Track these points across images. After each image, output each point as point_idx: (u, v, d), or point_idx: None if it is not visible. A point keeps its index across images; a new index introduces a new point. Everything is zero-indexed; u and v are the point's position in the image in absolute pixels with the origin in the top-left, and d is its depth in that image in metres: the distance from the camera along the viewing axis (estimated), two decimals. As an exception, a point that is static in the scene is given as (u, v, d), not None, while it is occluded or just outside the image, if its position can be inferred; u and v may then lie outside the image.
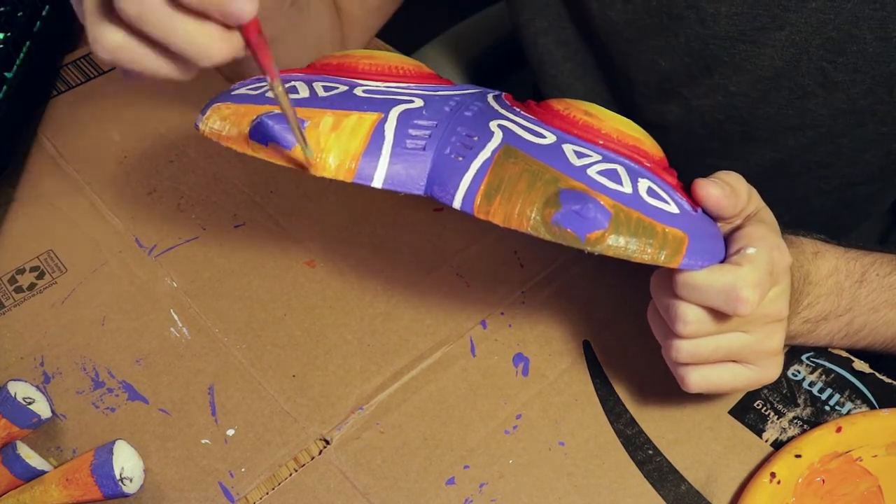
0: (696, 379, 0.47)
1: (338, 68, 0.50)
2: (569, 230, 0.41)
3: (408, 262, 0.62)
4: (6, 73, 0.71)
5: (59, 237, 0.65)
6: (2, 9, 0.74)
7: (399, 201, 0.66)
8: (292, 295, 0.61)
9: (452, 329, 0.58)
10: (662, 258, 0.42)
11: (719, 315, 0.44)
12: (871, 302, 0.52)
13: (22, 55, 0.74)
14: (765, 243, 0.44)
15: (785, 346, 0.54)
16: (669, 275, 0.45)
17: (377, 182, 0.44)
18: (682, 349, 0.46)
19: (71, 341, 0.59)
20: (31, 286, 0.62)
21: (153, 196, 0.67)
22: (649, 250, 0.41)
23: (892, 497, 0.48)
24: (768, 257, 0.44)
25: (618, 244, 0.41)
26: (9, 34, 0.73)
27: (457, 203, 0.43)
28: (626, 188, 0.43)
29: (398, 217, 0.65)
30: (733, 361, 0.47)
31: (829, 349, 0.55)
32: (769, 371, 0.47)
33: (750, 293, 0.42)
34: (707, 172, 0.47)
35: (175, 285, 0.61)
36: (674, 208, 0.44)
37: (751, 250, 0.44)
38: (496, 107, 0.48)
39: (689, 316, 0.44)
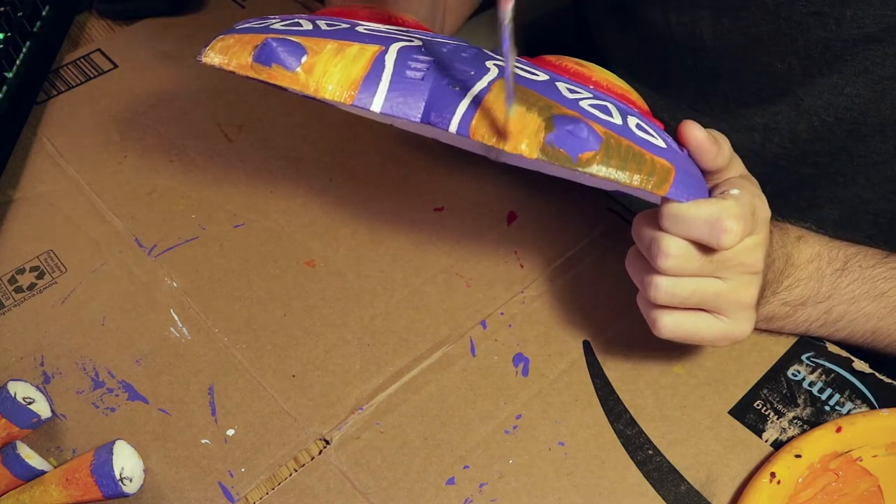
0: (668, 322, 0.48)
1: (339, 13, 0.52)
2: (562, 150, 0.42)
3: (408, 262, 0.62)
4: (6, 73, 0.71)
5: (59, 237, 0.65)
6: (2, 9, 0.74)
7: (399, 200, 0.66)
8: (292, 295, 0.61)
9: (452, 329, 0.58)
10: (650, 185, 0.43)
11: (702, 251, 0.45)
12: (852, 292, 0.52)
13: (22, 55, 0.74)
14: (747, 189, 0.46)
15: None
16: (653, 214, 0.46)
17: (376, 106, 0.45)
18: (661, 287, 0.46)
19: (71, 341, 0.59)
20: (31, 286, 0.62)
21: (153, 196, 0.67)
22: (638, 176, 0.43)
23: (892, 497, 0.48)
24: (751, 199, 0.46)
25: (608, 166, 0.42)
26: (9, 34, 0.73)
27: (453, 127, 0.44)
28: (617, 120, 0.45)
29: (398, 217, 0.65)
30: (707, 311, 0.48)
31: (829, 349, 0.55)
32: (741, 325, 0.48)
33: (733, 224, 0.44)
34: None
35: (175, 285, 0.61)
36: (661, 143, 0.45)
37: (734, 191, 0.46)
38: (491, 53, 0.50)
39: (673, 249, 0.45)
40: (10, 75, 0.71)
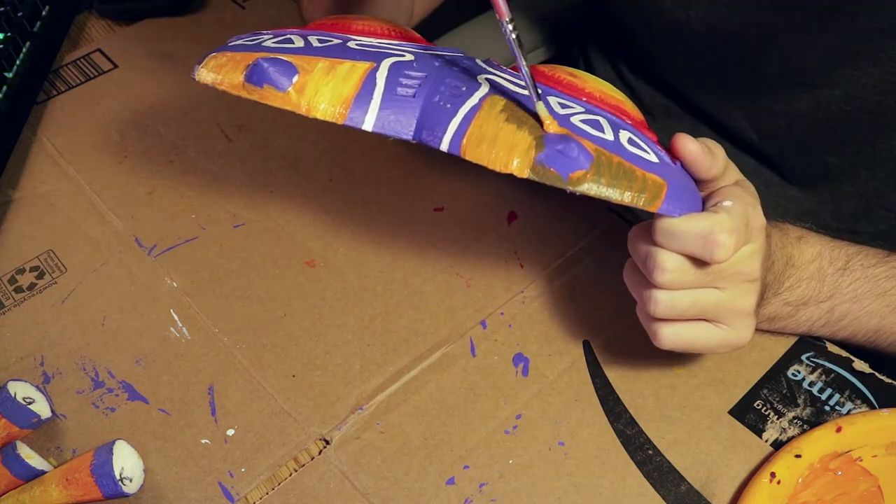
0: (668, 334, 0.48)
1: (332, 27, 0.52)
2: (552, 170, 0.42)
3: (408, 262, 0.62)
4: (6, 73, 0.71)
5: (59, 237, 0.65)
6: (2, 9, 0.74)
7: (399, 200, 0.66)
8: (292, 295, 0.61)
9: (452, 329, 0.58)
10: (642, 202, 0.43)
11: (697, 264, 0.45)
12: (854, 291, 0.52)
13: (22, 55, 0.74)
14: (740, 200, 0.46)
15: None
16: (647, 228, 0.46)
17: (367, 125, 0.45)
18: (660, 301, 0.46)
19: (71, 341, 0.59)
20: (31, 286, 0.62)
21: (153, 196, 0.67)
22: (629, 193, 0.43)
23: (892, 497, 0.48)
24: (743, 210, 0.46)
25: (599, 184, 0.42)
26: (9, 34, 0.73)
27: (444, 146, 0.44)
28: (608, 136, 0.45)
29: (398, 217, 0.65)
30: (706, 321, 0.48)
31: (829, 349, 0.55)
32: (741, 333, 0.48)
33: (726, 238, 0.44)
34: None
35: (175, 285, 0.61)
36: (653, 158, 0.45)
37: (727, 203, 0.46)
38: (483, 65, 0.50)
39: (668, 263, 0.45)
40: (10, 75, 0.72)
